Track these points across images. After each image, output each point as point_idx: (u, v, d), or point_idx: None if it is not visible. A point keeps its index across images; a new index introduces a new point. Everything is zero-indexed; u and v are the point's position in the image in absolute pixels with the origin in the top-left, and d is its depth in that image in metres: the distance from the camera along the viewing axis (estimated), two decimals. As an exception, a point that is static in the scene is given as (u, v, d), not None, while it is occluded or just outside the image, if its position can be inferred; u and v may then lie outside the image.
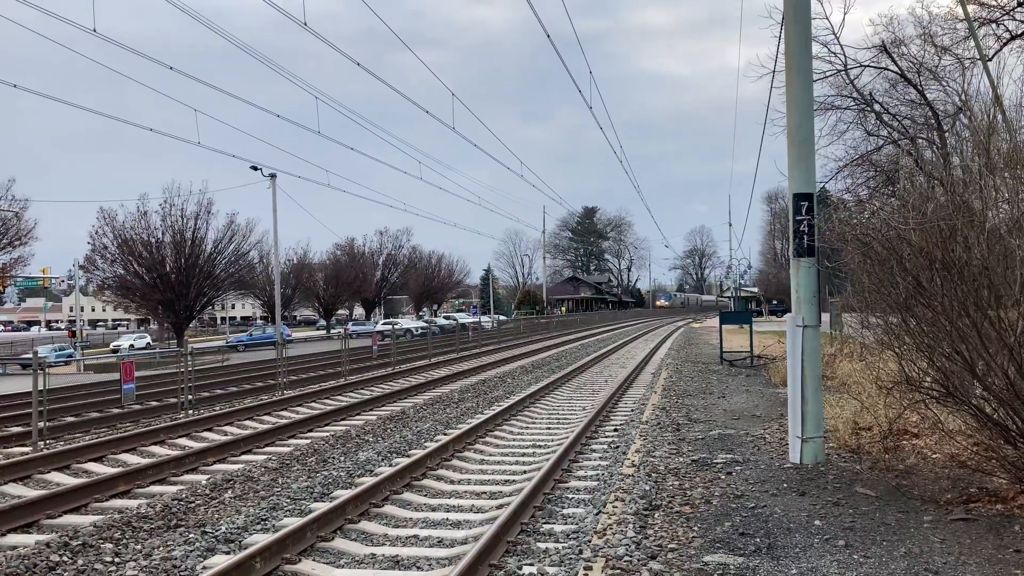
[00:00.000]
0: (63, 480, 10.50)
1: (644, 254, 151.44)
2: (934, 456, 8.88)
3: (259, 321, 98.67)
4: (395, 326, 51.63)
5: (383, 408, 16.81)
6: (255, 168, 40.68)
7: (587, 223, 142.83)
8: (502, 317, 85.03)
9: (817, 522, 6.86)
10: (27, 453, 12.23)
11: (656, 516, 7.25)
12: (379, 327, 58.20)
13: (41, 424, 13.02)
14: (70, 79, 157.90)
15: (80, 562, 6.86)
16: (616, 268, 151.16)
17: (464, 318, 73.15)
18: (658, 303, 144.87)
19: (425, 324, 62.25)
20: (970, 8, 17.36)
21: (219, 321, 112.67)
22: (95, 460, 11.76)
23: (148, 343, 61.69)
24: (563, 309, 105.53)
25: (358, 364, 27.09)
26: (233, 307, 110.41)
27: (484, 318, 76.85)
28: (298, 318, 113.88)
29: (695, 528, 6.85)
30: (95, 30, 16.49)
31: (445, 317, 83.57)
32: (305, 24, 16.12)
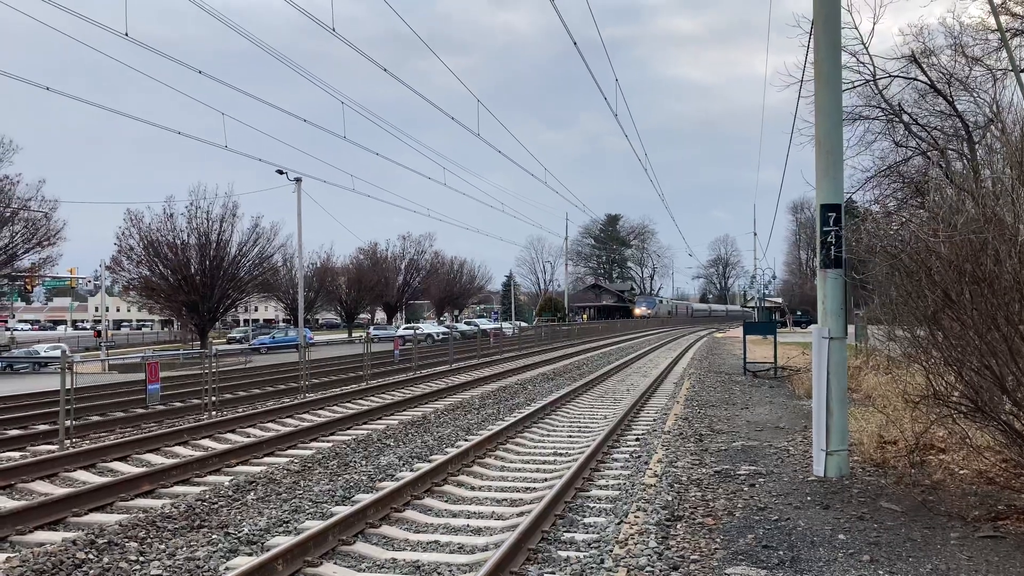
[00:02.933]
0: (89, 479, 10.62)
1: (667, 262, 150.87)
2: (961, 472, 8.76)
3: (281, 324, 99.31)
4: (416, 331, 51.76)
5: (404, 413, 16.85)
6: (280, 172, 41.05)
7: (610, 230, 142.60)
8: (523, 324, 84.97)
9: (841, 536, 6.79)
10: (53, 451, 12.38)
11: (678, 527, 7.21)
12: (401, 332, 58.36)
13: (68, 423, 13.18)
14: (101, 82, 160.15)
15: (105, 560, 6.93)
16: (639, 276, 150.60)
17: (485, 324, 73.19)
18: (636, 312, 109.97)
19: (446, 329, 62.34)
20: (1003, 19, 17.19)
21: (242, 323, 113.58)
22: (120, 459, 11.88)
23: (64, 351, 57.54)
24: (585, 317, 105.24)
25: (380, 368, 27.18)
26: (256, 309, 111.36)
27: (505, 324, 76.78)
28: (320, 321, 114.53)
29: (717, 540, 6.80)
30: (127, 34, 16.73)
31: (466, 323, 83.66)
32: (334, 30, 16.25)
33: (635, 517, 7.58)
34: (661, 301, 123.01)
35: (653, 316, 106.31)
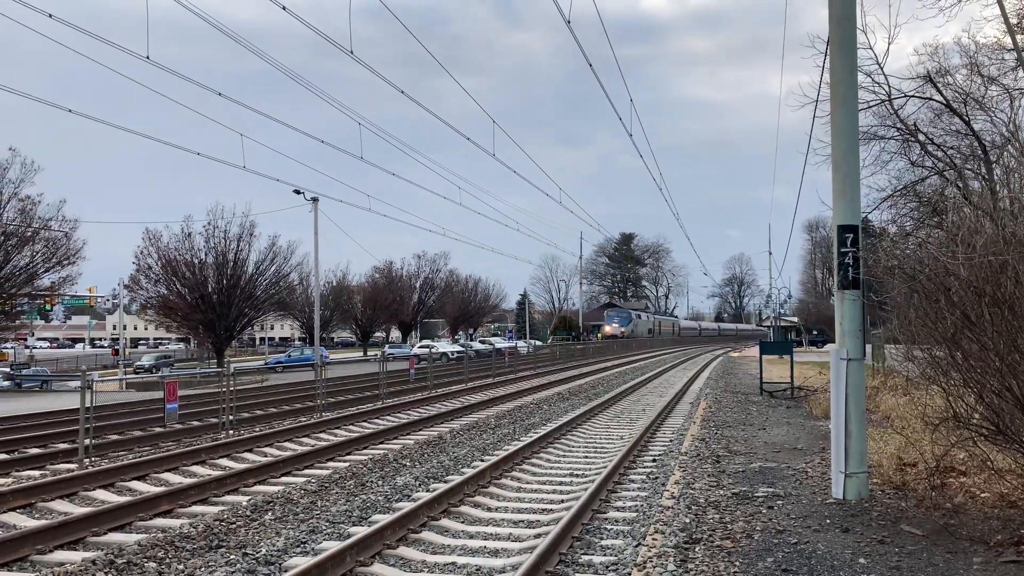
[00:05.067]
0: (108, 498, 10.69)
1: (682, 281, 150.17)
2: (983, 495, 8.67)
3: (297, 342, 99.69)
4: (432, 350, 51.84)
5: (420, 433, 16.86)
6: (298, 192, 41.29)
7: (624, 249, 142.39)
8: (538, 342, 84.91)
9: (862, 560, 6.73)
10: (73, 470, 12.46)
11: (697, 550, 7.17)
12: (416, 350, 58.46)
13: (87, 441, 13.27)
14: (122, 104, 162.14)
15: (125, 580, 6.96)
16: (653, 295, 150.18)
17: (500, 343, 73.18)
18: (606, 329, 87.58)
19: (461, 348, 62.38)
20: (1019, 38, 17.14)
21: (258, 342, 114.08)
22: (139, 479, 11.94)
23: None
24: (600, 335, 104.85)
25: (395, 387, 27.22)
26: (272, 328, 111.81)
27: (520, 343, 76.78)
28: (335, 340, 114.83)
29: (736, 563, 6.76)
30: (148, 57, 16.96)
31: (481, 341, 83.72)
32: (352, 52, 16.42)
33: (653, 539, 7.55)
34: (639, 316, 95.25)
35: (629, 336, 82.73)
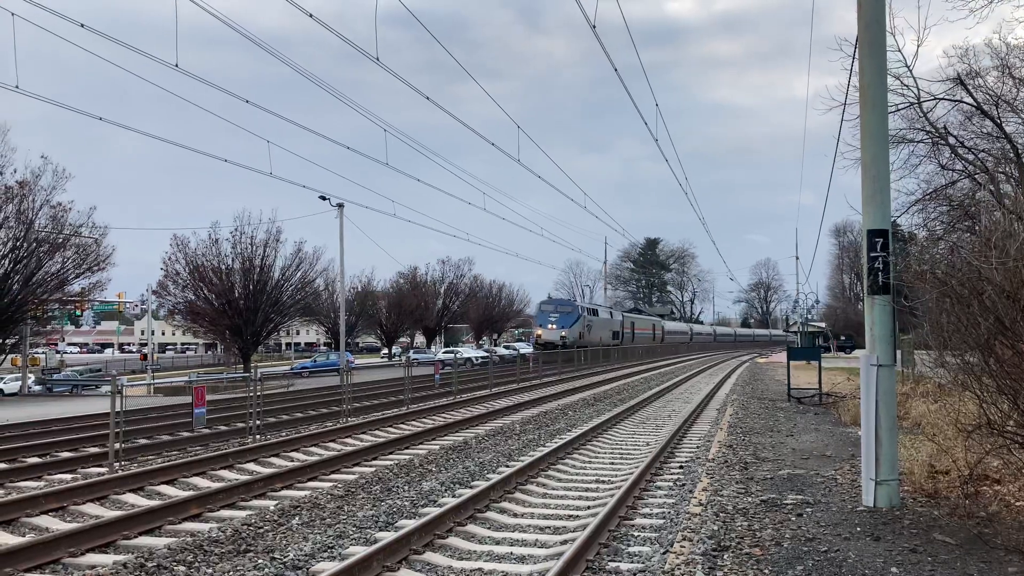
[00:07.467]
0: (138, 502, 10.79)
1: (708, 286, 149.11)
2: (1018, 504, 8.51)
3: (322, 347, 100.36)
4: (456, 355, 51.86)
5: (445, 438, 16.88)
6: (323, 198, 41.65)
7: (649, 254, 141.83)
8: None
9: (894, 569, 6.64)
10: (103, 474, 12.61)
11: (725, 557, 7.11)
12: (440, 355, 58.56)
13: (117, 446, 13.42)
14: (151, 111, 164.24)
15: (155, 584, 7.02)
16: (679, 300, 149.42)
17: (524, 348, 73.08)
18: (538, 332, 59.33)
19: (486, 353, 62.36)
20: (1051, 39, 16.91)
21: (284, 347, 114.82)
22: (167, 483, 12.05)
23: None
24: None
25: (420, 392, 27.27)
26: (298, 333, 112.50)
27: (544, 348, 76.48)
28: (360, 345, 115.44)
29: (765, 571, 6.69)
30: (177, 65, 17.18)
31: (505, 347, 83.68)
32: (378, 59, 16.52)
33: (681, 547, 7.49)
34: (594, 312, 65.79)
35: (574, 343, 55.37)
